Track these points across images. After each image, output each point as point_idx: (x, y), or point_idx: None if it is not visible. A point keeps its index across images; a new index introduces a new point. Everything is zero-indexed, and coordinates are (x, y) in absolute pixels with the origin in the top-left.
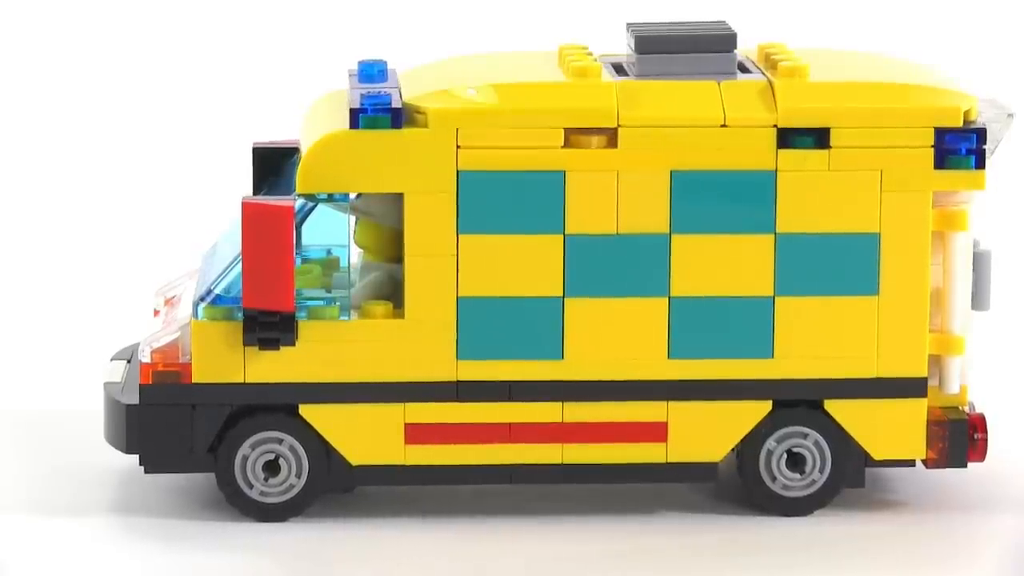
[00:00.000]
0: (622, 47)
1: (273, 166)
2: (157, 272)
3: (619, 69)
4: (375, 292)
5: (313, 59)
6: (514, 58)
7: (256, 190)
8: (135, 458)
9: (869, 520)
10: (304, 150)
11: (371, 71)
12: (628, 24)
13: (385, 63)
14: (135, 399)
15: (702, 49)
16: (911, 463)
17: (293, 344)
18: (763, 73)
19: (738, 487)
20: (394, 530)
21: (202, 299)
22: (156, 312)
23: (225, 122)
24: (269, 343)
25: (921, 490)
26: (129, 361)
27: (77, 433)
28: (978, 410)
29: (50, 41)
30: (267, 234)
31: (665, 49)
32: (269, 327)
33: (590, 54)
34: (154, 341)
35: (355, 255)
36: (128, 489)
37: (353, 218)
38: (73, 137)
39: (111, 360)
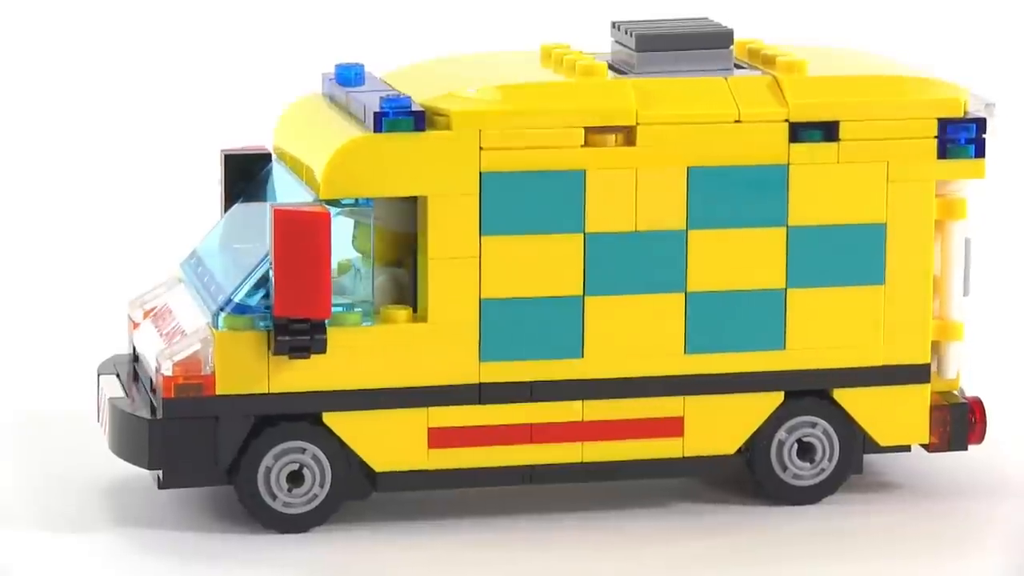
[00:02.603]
0: (596, 45)
1: (244, 172)
2: (115, 281)
3: (610, 67)
4: (382, 297)
5: (266, 69)
6: (501, 58)
7: (228, 196)
8: (128, 468)
9: (875, 505)
10: (313, 157)
11: (348, 74)
12: (615, 22)
13: (362, 66)
14: (157, 413)
15: (701, 46)
16: (907, 448)
17: (324, 351)
18: (759, 69)
19: (732, 479)
20: (413, 537)
21: (221, 309)
22: (136, 324)
23: (188, 131)
24: (300, 351)
25: (919, 474)
26: (118, 375)
27: (64, 442)
28: (968, 394)
29: (15, 54)
30: (303, 241)
31: (666, 47)
32: (300, 335)
33: (582, 53)
34: (174, 354)
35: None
36: (128, 501)
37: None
38: (39, 149)
39: (100, 375)
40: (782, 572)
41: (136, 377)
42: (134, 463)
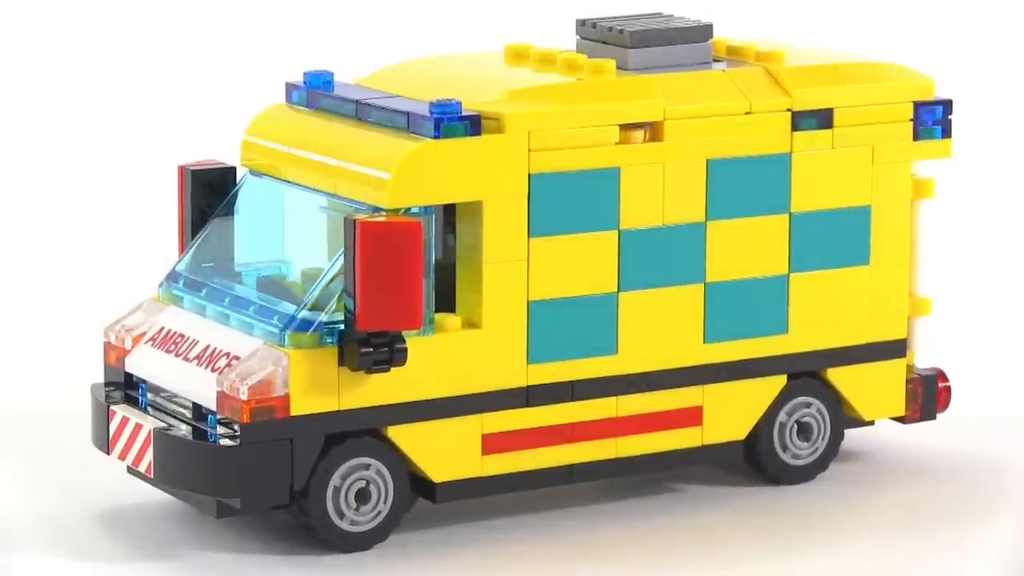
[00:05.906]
0: (555, 43)
1: (209, 188)
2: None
3: None
4: None
5: (187, 88)
6: (478, 60)
7: (195, 211)
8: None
9: (870, 481)
10: (357, 166)
11: (317, 81)
12: (583, 20)
13: (332, 73)
14: (219, 440)
15: (686, 40)
16: (871, 423)
17: (404, 363)
18: (725, 60)
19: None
20: (470, 544)
21: (285, 327)
22: (125, 350)
23: (116, 151)
24: (382, 364)
25: (890, 447)
26: (127, 402)
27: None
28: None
29: None
30: (394, 253)
31: (658, 42)
32: (382, 348)
33: (563, 51)
34: (243, 377)
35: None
36: (138, 524)
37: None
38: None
39: (109, 406)
40: (808, 553)
41: (130, 402)
42: (204, 493)
